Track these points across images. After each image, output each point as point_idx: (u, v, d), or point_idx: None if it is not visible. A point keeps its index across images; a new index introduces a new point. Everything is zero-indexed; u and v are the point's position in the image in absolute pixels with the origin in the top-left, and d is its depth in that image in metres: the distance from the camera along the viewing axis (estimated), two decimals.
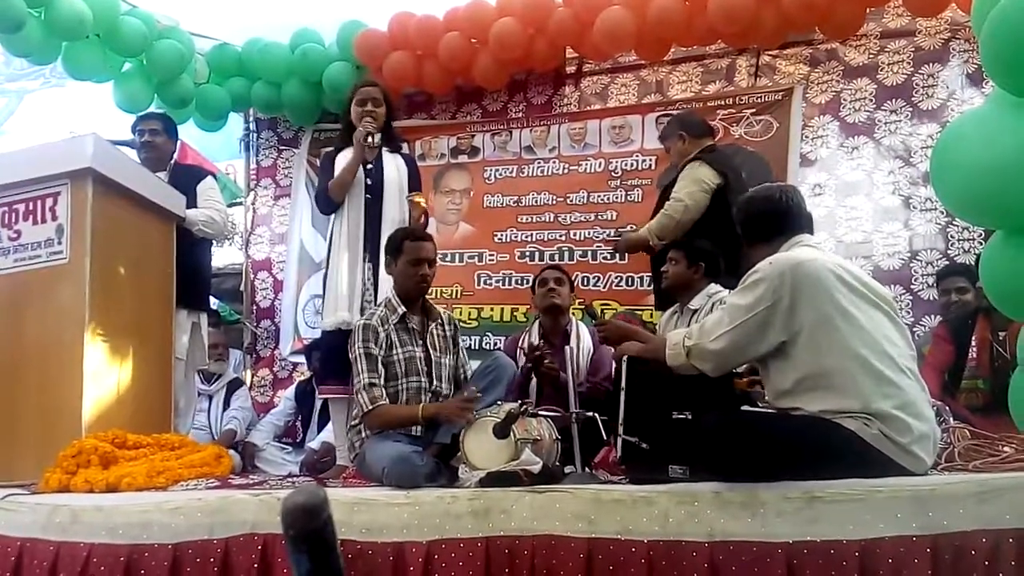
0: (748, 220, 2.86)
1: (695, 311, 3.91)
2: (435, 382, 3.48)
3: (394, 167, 4.22)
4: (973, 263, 4.42)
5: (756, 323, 2.50)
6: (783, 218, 2.78)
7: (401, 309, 3.47)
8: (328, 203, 4.16)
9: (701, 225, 4.16)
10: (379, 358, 3.33)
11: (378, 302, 3.83)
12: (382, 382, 3.31)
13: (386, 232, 3.99)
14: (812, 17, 4.88)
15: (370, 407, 3.26)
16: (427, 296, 3.65)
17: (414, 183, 4.31)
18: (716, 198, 4.19)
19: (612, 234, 4.85)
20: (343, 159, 4.16)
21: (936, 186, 2.50)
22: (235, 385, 5.63)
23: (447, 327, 3.64)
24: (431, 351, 3.51)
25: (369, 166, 4.17)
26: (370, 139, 4.09)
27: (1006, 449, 2.75)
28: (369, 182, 4.13)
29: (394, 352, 3.39)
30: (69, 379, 3.60)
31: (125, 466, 3.36)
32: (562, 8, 5.30)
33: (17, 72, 8.86)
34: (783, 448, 2.36)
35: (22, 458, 3.56)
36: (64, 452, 3.35)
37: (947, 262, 4.74)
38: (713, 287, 4.01)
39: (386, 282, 3.88)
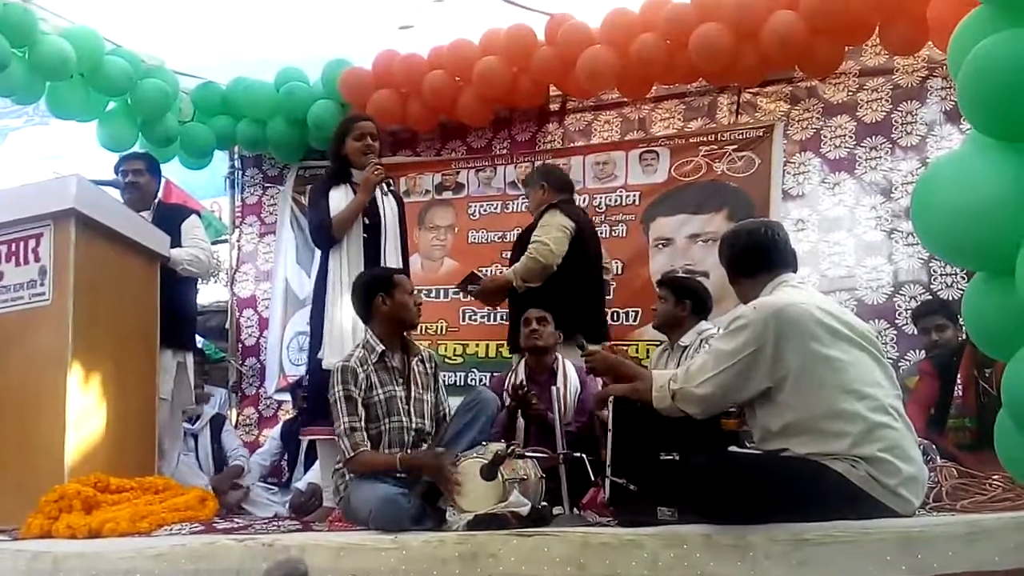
0: (732, 254, 2.88)
1: (685, 348, 3.93)
2: (417, 420, 3.45)
3: (389, 206, 4.23)
4: (957, 299, 4.45)
5: (740, 368, 2.52)
6: (768, 254, 2.80)
7: (380, 348, 3.43)
8: (329, 240, 4.13)
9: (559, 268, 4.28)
10: (359, 400, 3.30)
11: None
12: (363, 425, 3.29)
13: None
14: (791, 56, 4.94)
15: (352, 453, 3.24)
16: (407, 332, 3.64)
17: (404, 219, 4.33)
18: (569, 246, 4.30)
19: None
20: (337, 195, 4.15)
21: (917, 228, 2.52)
22: (219, 420, 5.56)
23: (427, 364, 3.62)
24: (413, 388, 3.49)
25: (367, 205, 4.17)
26: (385, 185, 4.17)
27: (994, 478, 2.76)
28: (367, 221, 4.13)
29: (374, 393, 3.36)
30: (51, 422, 3.58)
31: (108, 511, 3.33)
32: (545, 47, 5.34)
33: None
34: (771, 490, 2.37)
35: (3, 503, 3.55)
36: (46, 497, 3.32)
37: (930, 296, 4.76)
38: (703, 324, 4.05)
39: None
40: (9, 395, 3.67)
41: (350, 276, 4.02)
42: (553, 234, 4.25)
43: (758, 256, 2.80)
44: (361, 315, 3.62)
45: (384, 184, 4.23)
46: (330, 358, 3.97)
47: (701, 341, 3.92)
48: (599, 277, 4.58)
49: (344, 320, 4.00)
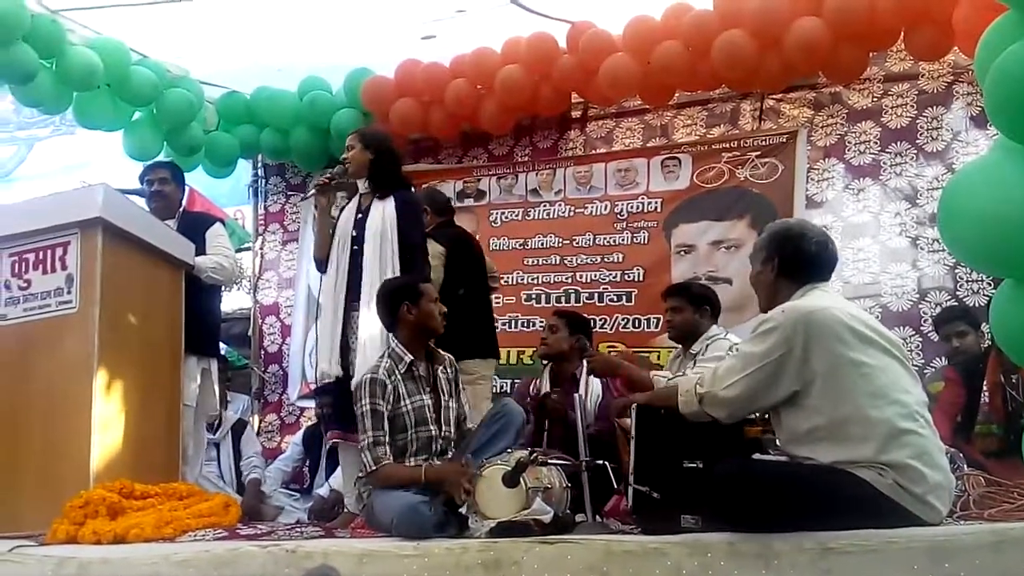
0: (796, 258, 2.75)
1: (695, 355, 3.92)
2: (444, 428, 3.46)
3: (380, 214, 4.10)
4: (983, 305, 4.41)
5: (769, 371, 2.50)
6: (824, 268, 2.77)
7: (408, 358, 3.43)
8: (316, 262, 4.30)
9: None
10: (385, 414, 3.30)
11: (358, 356, 3.84)
12: (387, 439, 3.29)
13: (367, 281, 3.97)
14: (815, 62, 4.92)
15: (374, 467, 3.24)
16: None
17: (408, 225, 4.12)
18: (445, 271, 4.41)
19: None
20: (349, 210, 4.22)
21: (944, 235, 2.51)
22: (240, 428, 5.56)
23: (450, 370, 3.62)
24: (440, 397, 3.49)
25: (360, 215, 4.16)
26: (313, 191, 4.23)
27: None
28: (355, 233, 4.10)
29: (402, 404, 3.36)
30: (77, 428, 3.60)
31: (133, 517, 3.35)
32: (567, 55, 5.34)
33: (27, 120, 8.98)
34: (797, 498, 2.35)
35: (29, 508, 3.55)
36: (71, 503, 3.34)
37: (956, 303, 4.72)
38: (713, 329, 4.03)
39: (365, 336, 3.90)
40: (36, 402, 3.69)
41: (335, 289, 4.06)
42: (431, 263, 4.31)
43: (816, 267, 2.74)
44: (386, 324, 3.62)
45: (377, 194, 4.18)
46: (320, 366, 4.05)
47: (707, 345, 3.91)
48: (484, 294, 4.66)
49: (324, 334, 4.05)
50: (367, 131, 4.55)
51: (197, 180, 6.35)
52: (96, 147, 7.55)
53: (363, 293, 3.93)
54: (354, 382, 3.56)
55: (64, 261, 3.74)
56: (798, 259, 2.75)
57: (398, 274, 3.92)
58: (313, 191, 4.24)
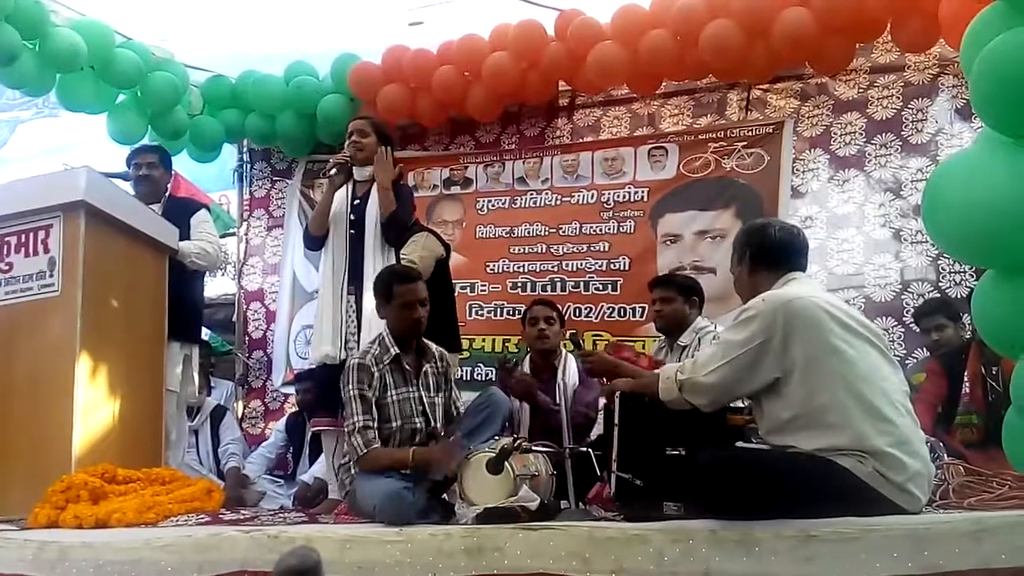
0: (764, 246, 2.82)
1: (684, 347, 3.93)
2: (431, 423, 3.47)
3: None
4: (965, 296, 4.44)
5: (749, 359, 2.51)
6: (795, 254, 2.80)
7: (395, 350, 3.43)
8: (309, 238, 4.29)
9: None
10: (373, 400, 3.31)
11: (362, 337, 3.84)
12: (376, 424, 3.30)
13: (368, 266, 3.99)
14: (802, 53, 4.93)
15: (364, 451, 3.25)
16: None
17: (405, 212, 4.24)
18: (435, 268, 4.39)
19: None
20: (339, 195, 4.23)
21: (928, 226, 2.53)
22: (219, 414, 5.49)
23: (439, 363, 3.62)
24: (424, 392, 3.49)
25: (356, 200, 4.18)
26: (334, 169, 4.20)
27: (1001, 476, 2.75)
28: (353, 217, 4.15)
29: (388, 394, 3.37)
30: (59, 412, 3.58)
31: (115, 501, 3.33)
32: (555, 43, 5.33)
33: (9, 102, 8.89)
34: (778, 485, 2.36)
35: (11, 492, 3.54)
36: (53, 487, 3.32)
37: (938, 294, 4.75)
38: (701, 321, 4.05)
39: (370, 316, 3.91)
40: (18, 386, 3.67)
41: (334, 271, 4.11)
42: (421, 253, 4.28)
43: (787, 252, 2.79)
44: (380, 312, 3.62)
45: (343, 173, 4.26)
46: (313, 353, 4.11)
47: (699, 339, 3.92)
48: (449, 293, 4.67)
49: (325, 316, 4.07)
50: (377, 121, 4.55)
51: (182, 164, 6.30)
52: (79, 130, 7.48)
53: (366, 278, 3.97)
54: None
55: (46, 244, 3.72)
56: (766, 247, 2.80)
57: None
58: (332, 170, 4.22)
